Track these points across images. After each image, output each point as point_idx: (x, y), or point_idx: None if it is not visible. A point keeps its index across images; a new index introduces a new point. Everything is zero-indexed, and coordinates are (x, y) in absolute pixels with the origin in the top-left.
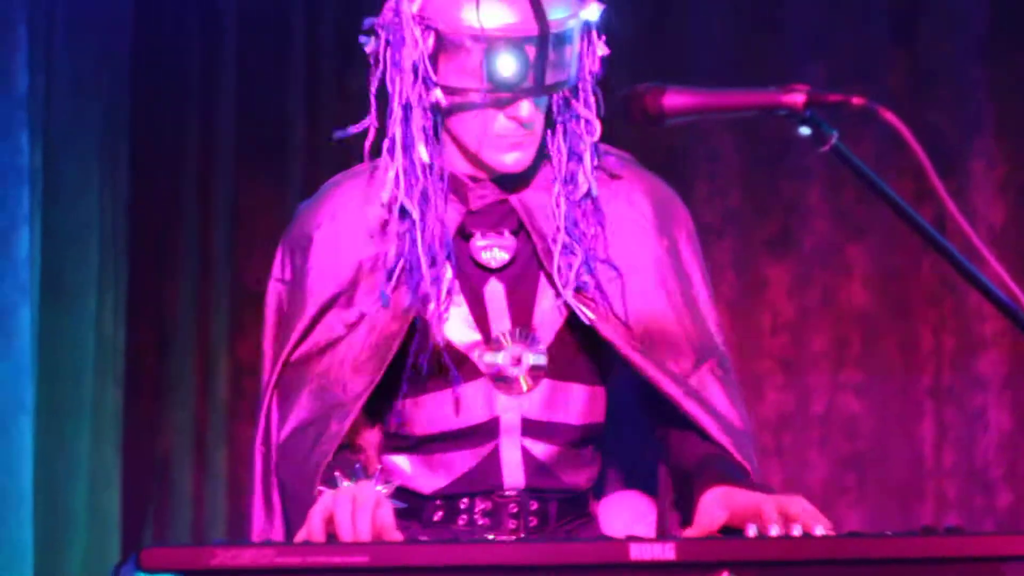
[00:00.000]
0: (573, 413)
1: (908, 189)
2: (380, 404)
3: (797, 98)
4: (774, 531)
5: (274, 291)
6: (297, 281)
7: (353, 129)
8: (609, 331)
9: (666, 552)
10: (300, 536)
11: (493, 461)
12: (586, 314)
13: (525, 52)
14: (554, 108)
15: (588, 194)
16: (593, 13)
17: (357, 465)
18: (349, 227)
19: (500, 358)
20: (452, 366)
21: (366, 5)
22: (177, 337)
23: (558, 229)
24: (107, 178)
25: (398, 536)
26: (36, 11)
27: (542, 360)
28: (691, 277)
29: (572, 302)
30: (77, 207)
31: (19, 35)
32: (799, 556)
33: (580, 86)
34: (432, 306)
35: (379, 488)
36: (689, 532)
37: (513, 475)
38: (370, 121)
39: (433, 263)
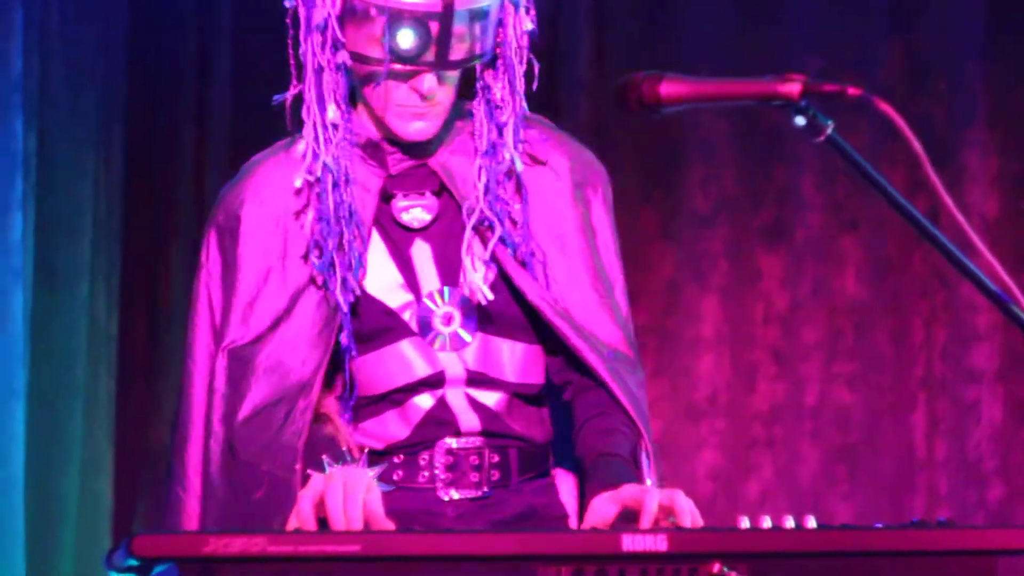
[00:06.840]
0: (509, 370)
1: (901, 180)
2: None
3: (793, 88)
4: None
5: (203, 281)
6: (229, 264)
7: (288, 95)
8: (535, 296)
9: (658, 543)
10: (291, 522)
11: (444, 408)
12: (509, 279)
13: (427, 26)
14: (477, 80)
15: (511, 170)
16: None
17: (344, 448)
18: (273, 201)
19: (432, 317)
20: (388, 327)
21: None
22: (170, 324)
23: (477, 199)
24: (101, 164)
25: (387, 523)
26: None
27: (472, 316)
28: (602, 247)
29: (488, 264)
30: (71, 193)
31: (15, 20)
32: (791, 548)
33: (501, 60)
34: (354, 267)
35: (369, 472)
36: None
37: (467, 419)
38: (298, 87)
39: (350, 223)
